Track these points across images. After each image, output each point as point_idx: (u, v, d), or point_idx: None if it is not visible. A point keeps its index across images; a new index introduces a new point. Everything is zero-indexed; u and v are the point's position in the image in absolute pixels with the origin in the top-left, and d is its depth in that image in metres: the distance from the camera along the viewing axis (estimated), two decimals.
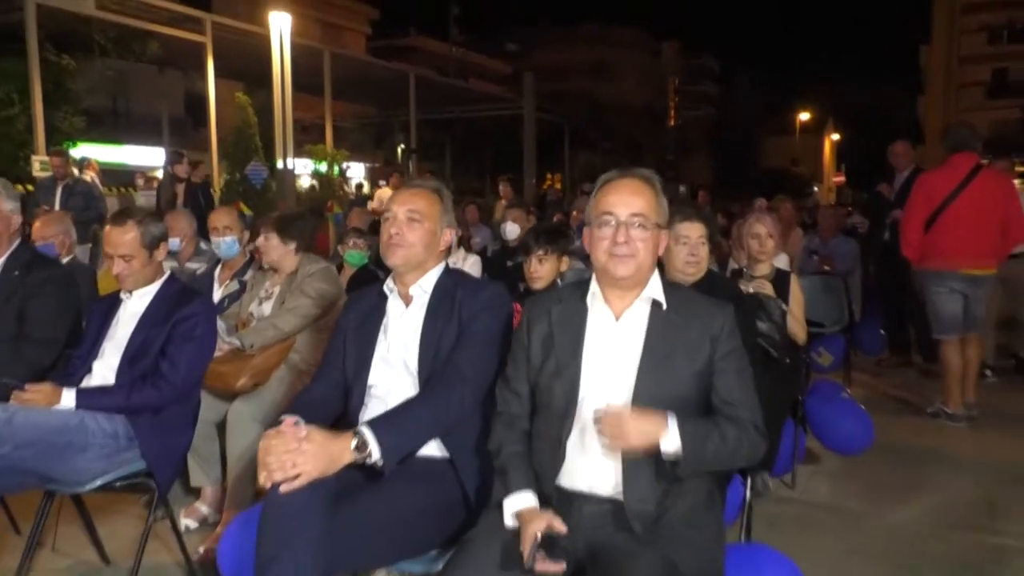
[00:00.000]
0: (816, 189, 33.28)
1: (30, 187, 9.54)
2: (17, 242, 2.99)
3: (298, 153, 13.55)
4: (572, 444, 1.96)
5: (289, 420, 1.93)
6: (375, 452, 1.95)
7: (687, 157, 34.13)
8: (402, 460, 2.03)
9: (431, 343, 2.25)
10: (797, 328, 3.85)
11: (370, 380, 2.28)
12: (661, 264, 3.42)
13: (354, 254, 4.96)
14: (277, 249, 3.76)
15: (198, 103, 14.17)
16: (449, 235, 2.41)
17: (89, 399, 2.63)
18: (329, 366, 2.38)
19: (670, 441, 1.80)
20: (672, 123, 38.85)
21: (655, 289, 2.00)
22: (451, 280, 2.37)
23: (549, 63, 33.58)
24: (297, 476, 1.82)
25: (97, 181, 9.37)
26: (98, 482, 2.62)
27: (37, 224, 4.99)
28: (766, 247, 3.94)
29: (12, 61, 12.34)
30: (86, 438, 2.54)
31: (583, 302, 2.03)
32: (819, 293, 5.78)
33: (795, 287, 3.92)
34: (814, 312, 5.48)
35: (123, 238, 2.80)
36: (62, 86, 13.26)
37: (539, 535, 1.75)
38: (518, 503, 1.91)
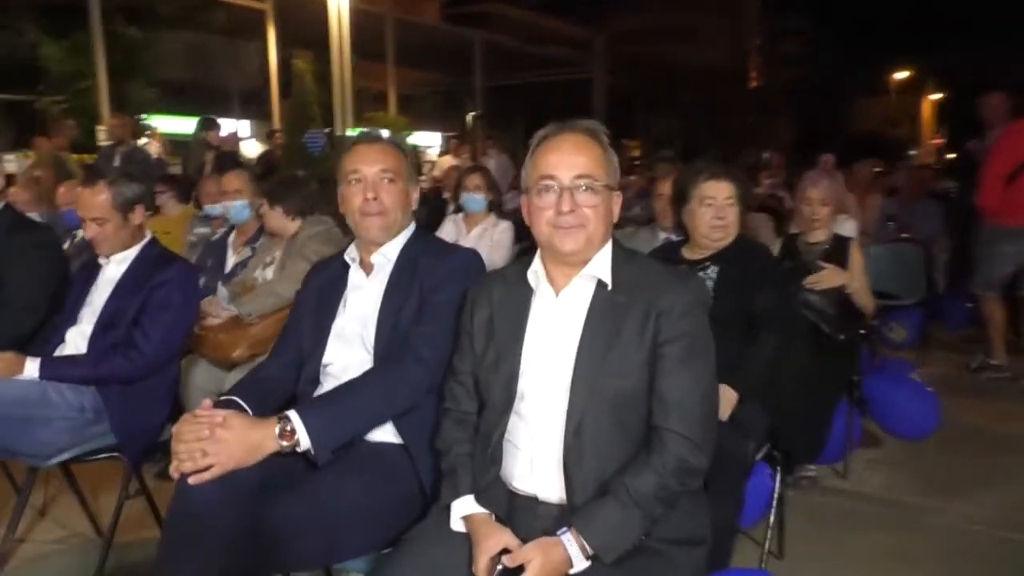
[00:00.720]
0: (914, 153, 31.41)
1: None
2: None
3: (361, 121, 13.50)
4: (509, 444, 1.69)
5: (206, 403, 1.70)
6: (303, 440, 1.70)
7: (770, 121, 32.69)
8: (342, 448, 1.78)
9: (388, 317, 1.98)
10: (862, 298, 3.43)
11: (325, 358, 2.03)
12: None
13: None
14: (273, 214, 3.60)
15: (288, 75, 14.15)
16: (416, 193, 2.14)
17: (54, 369, 2.49)
18: (285, 342, 2.15)
19: (580, 565, 1.52)
20: (754, 85, 37.24)
21: (599, 265, 1.69)
22: (418, 246, 2.10)
23: (625, 26, 32.56)
24: (209, 467, 1.60)
25: (160, 151, 9.42)
26: (64, 456, 2.49)
27: (61, 189, 4.96)
28: (819, 214, 3.53)
29: (86, 35, 12.59)
30: (48, 411, 2.40)
31: (528, 282, 1.74)
32: (893, 262, 5.29)
33: (856, 255, 3.49)
34: (886, 283, 5.02)
35: (94, 200, 2.64)
36: (133, 58, 13.48)
37: (499, 567, 1.54)
38: (467, 507, 1.68)
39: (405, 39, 16.00)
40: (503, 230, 4.53)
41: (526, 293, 1.74)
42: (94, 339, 2.59)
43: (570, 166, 1.65)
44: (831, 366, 3.29)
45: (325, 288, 2.13)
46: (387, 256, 2.08)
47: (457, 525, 1.67)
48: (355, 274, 2.11)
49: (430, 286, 1.98)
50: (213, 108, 17.45)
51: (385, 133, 2.20)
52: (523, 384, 1.68)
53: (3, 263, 2.77)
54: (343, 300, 2.08)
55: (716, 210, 2.67)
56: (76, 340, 2.63)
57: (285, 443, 1.68)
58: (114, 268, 2.71)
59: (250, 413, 1.89)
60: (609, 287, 1.66)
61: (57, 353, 2.61)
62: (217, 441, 1.61)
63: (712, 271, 2.68)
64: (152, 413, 2.62)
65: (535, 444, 1.65)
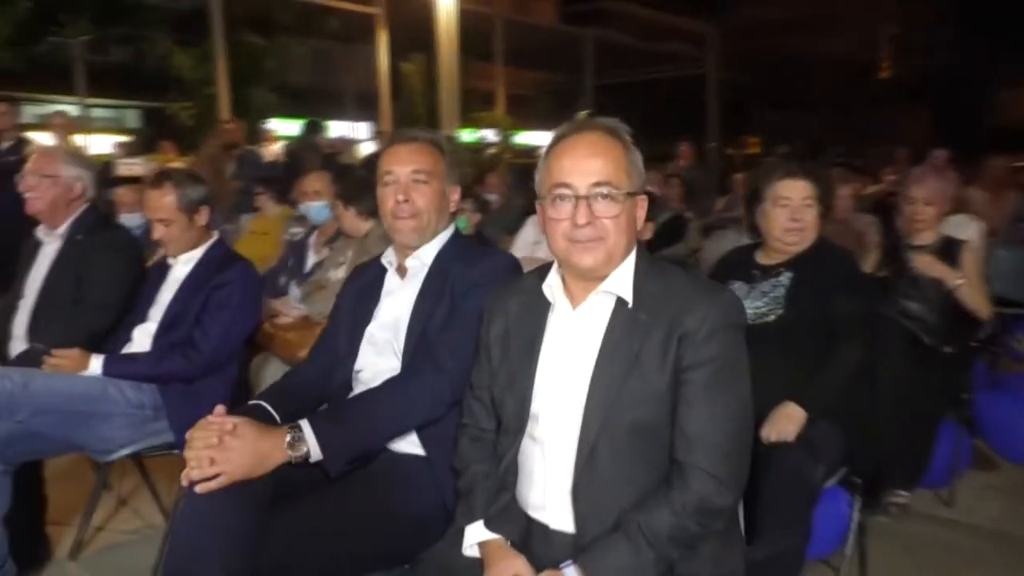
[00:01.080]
0: None
1: None
2: (83, 207, 2.98)
3: (467, 122, 13.62)
4: (523, 468, 1.58)
5: (219, 409, 1.67)
6: (314, 451, 1.64)
7: (903, 114, 30.74)
8: (358, 460, 1.72)
9: (418, 324, 1.91)
10: (975, 301, 3.09)
11: (357, 364, 1.98)
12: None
13: (461, 220, 4.72)
14: (346, 215, 3.61)
15: (397, 78, 14.47)
16: (456, 193, 2.06)
17: (117, 366, 2.56)
18: (321, 347, 2.11)
19: None
20: (885, 76, 35.08)
21: (619, 280, 1.53)
22: (454, 249, 2.01)
23: (743, 19, 31.42)
24: (217, 476, 1.57)
25: (275, 154, 9.76)
26: (125, 451, 2.56)
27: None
28: (923, 214, 3.21)
29: (213, 44, 13.27)
30: (109, 407, 2.47)
31: (545, 295, 1.61)
32: (1021, 267, 4.81)
33: (968, 258, 3.15)
34: (1014, 289, 4.56)
35: (161, 201, 2.70)
36: (256, 65, 14.14)
37: None
38: (481, 533, 1.58)
39: (515, 39, 16.02)
40: (533, 224, 4.41)
41: (543, 307, 1.61)
42: (157, 338, 2.65)
43: (586, 172, 1.49)
44: (934, 381, 2.98)
45: (362, 292, 2.08)
46: (422, 260, 2.00)
47: (471, 551, 1.58)
48: (390, 278, 2.05)
49: (460, 292, 1.90)
50: (329, 111, 18.15)
51: (433, 133, 2.11)
52: (536, 406, 1.56)
53: (83, 262, 2.88)
54: (378, 305, 2.03)
55: (791, 211, 2.45)
56: (142, 338, 2.70)
57: (294, 454, 1.63)
58: (181, 268, 2.77)
59: (277, 420, 1.86)
60: (630, 304, 1.50)
61: (124, 351, 2.69)
62: (225, 449, 1.57)
63: (785, 277, 2.47)
64: (210, 411, 2.64)
65: (548, 471, 1.53)
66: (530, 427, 1.56)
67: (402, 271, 2.03)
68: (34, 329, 2.85)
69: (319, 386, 2.02)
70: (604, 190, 1.48)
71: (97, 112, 21.76)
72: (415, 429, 1.81)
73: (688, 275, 1.59)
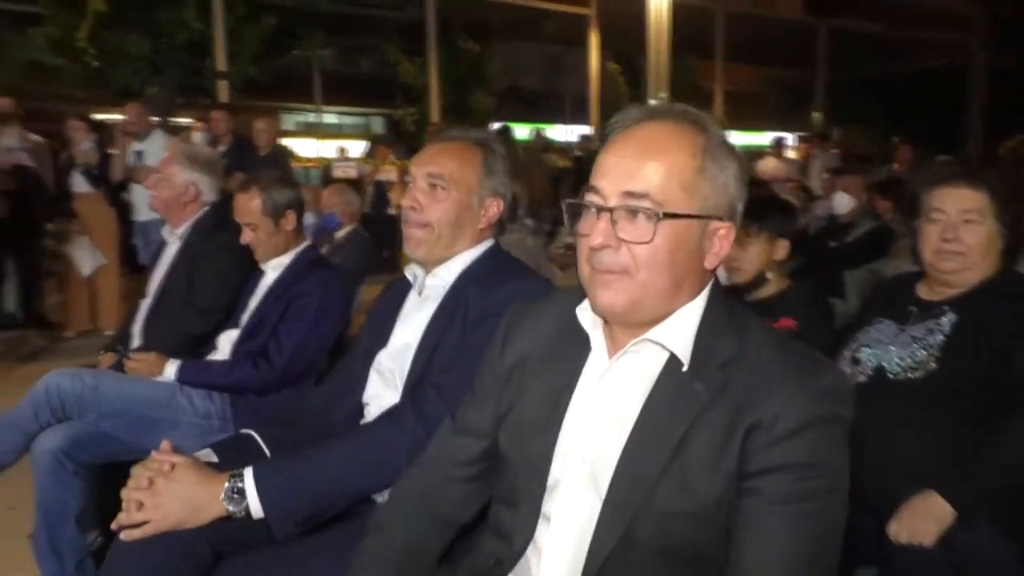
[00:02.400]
0: None
1: None
2: (204, 210, 3.01)
3: None
4: (531, 548, 1.19)
5: (164, 445, 1.48)
6: (254, 507, 1.40)
7: None
8: (309, 522, 1.45)
9: (423, 356, 1.61)
10: None
11: (365, 395, 1.72)
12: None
13: None
14: None
15: (603, 79, 14.29)
16: (495, 206, 1.72)
17: (191, 373, 2.51)
18: (339, 369, 1.88)
19: None
20: None
21: (674, 330, 1.11)
22: (480, 269, 1.69)
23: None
24: (145, 523, 1.38)
25: None
26: None
27: (325, 192, 5.33)
28: None
29: (439, 51, 13.83)
30: (175, 414, 2.42)
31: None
32: None
33: None
34: None
35: (247, 205, 2.63)
36: (475, 70, 14.56)
37: None
38: None
39: (738, 33, 15.14)
40: None
41: (579, 343, 1.21)
42: (237, 346, 2.58)
43: (622, 175, 1.08)
44: None
45: (384, 311, 1.82)
46: (442, 280, 1.70)
47: None
48: (411, 297, 1.77)
49: (472, 322, 1.57)
50: (547, 114, 18.36)
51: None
52: (555, 474, 1.17)
53: (195, 264, 2.90)
54: (394, 328, 1.76)
55: (943, 228, 1.84)
56: (225, 346, 2.64)
57: (233, 508, 1.39)
58: (270, 275, 2.69)
59: (267, 453, 1.66)
60: (684, 366, 1.09)
61: (210, 357, 2.65)
62: (155, 494, 1.38)
63: (947, 320, 1.86)
64: None
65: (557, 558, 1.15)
66: (544, 500, 1.18)
67: (421, 290, 1.75)
68: (148, 329, 2.92)
69: (324, 415, 1.78)
70: (634, 203, 1.06)
71: (347, 120, 23.83)
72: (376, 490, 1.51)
73: (779, 340, 1.13)
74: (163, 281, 2.97)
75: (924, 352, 1.82)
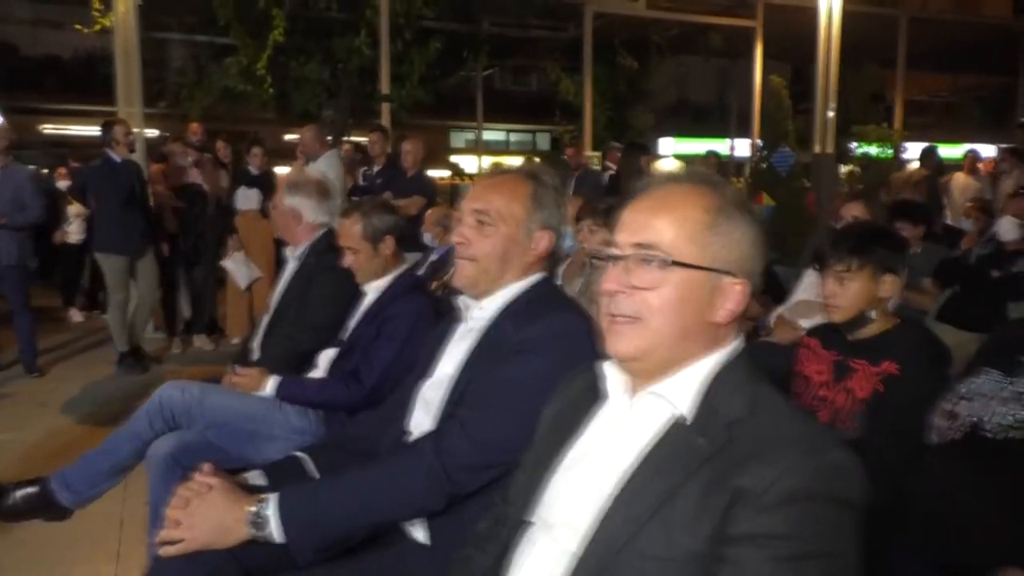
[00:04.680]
0: None
1: None
2: (321, 232, 3.19)
3: (847, 136, 12.18)
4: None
5: (205, 467, 1.56)
6: (276, 532, 1.45)
7: None
8: (331, 549, 1.48)
9: (457, 388, 1.62)
10: None
11: (410, 423, 1.75)
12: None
13: None
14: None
15: (765, 92, 13.82)
16: (546, 240, 1.71)
17: (288, 388, 2.65)
18: (394, 396, 1.92)
19: None
20: None
21: (680, 384, 1.14)
22: (520, 303, 1.67)
23: None
24: (182, 540, 1.46)
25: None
26: None
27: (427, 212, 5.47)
28: None
29: (596, 70, 13.87)
30: (272, 428, 2.56)
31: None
32: None
33: None
34: None
35: (350, 229, 2.75)
36: (634, 87, 14.43)
37: None
38: None
39: (931, 39, 13.98)
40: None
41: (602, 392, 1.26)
42: (333, 364, 2.70)
43: (636, 228, 1.16)
44: None
45: (437, 335, 1.84)
46: (487, 312, 1.70)
47: None
48: (460, 328, 1.78)
49: (503, 357, 1.56)
50: (715, 128, 17.88)
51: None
52: (542, 512, 1.21)
53: (307, 283, 3.08)
54: (441, 357, 1.77)
55: None
56: (325, 364, 2.77)
57: (257, 532, 1.45)
58: (369, 297, 2.80)
59: (316, 476, 1.72)
60: (687, 419, 1.11)
61: (310, 375, 2.79)
62: (190, 514, 1.46)
63: None
64: None
65: None
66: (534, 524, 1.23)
67: (468, 321, 1.75)
68: (265, 344, 3.13)
69: (372, 441, 1.83)
70: (644, 253, 1.14)
71: (514, 136, 24.49)
72: (410, 516, 1.52)
73: (792, 411, 1.11)
74: (279, 299, 3.17)
75: None
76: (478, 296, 1.72)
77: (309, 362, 2.90)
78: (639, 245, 1.14)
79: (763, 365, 2.86)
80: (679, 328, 1.13)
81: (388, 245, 2.76)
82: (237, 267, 6.34)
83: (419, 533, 1.57)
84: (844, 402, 2.15)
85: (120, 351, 5.97)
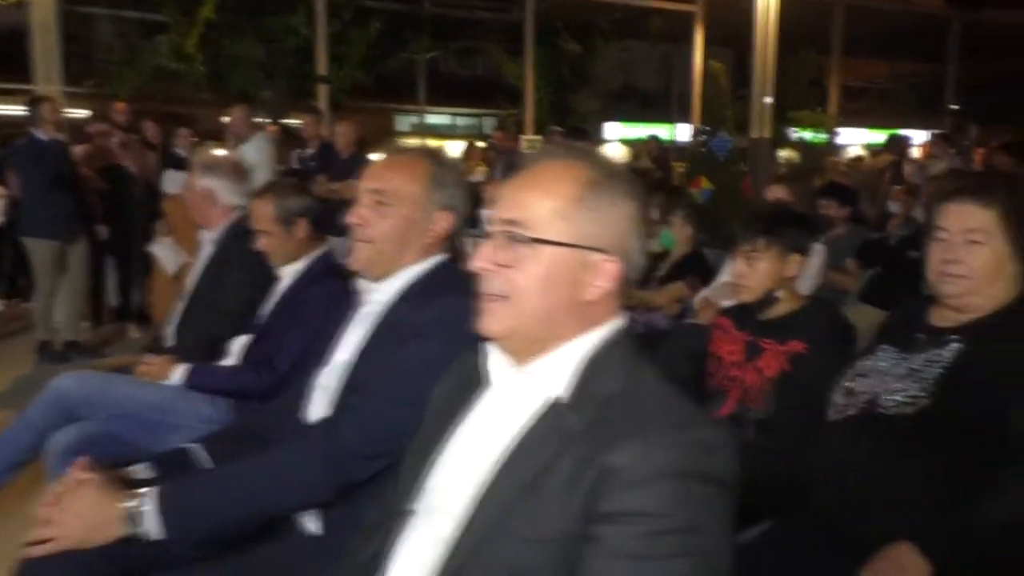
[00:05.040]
0: None
1: None
2: (237, 215, 3.09)
3: (784, 121, 12.36)
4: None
5: (81, 462, 1.49)
6: (153, 529, 1.38)
7: None
8: (209, 543, 1.43)
9: (355, 375, 1.58)
10: None
11: (309, 412, 1.70)
12: None
13: (666, 234, 4.15)
14: None
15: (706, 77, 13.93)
16: (445, 221, 1.67)
17: (197, 377, 2.56)
18: (296, 384, 1.86)
19: None
20: None
21: (555, 363, 1.11)
22: (418, 287, 1.63)
23: None
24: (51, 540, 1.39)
25: None
26: None
27: None
28: None
29: (538, 52, 13.80)
30: (178, 418, 2.47)
31: None
32: None
33: None
34: None
35: (261, 212, 2.67)
36: (577, 70, 14.43)
37: None
38: None
39: (867, 26, 14.28)
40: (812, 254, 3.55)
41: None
42: (247, 352, 2.63)
43: (506, 204, 1.14)
44: None
45: (337, 320, 1.80)
46: (384, 295, 1.66)
47: None
48: (361, 311, 1.73)
49: (396, 342, 1.52)
50: (645, 112, 17.98)
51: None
52: (426, 493, 1.18)
53: (222, 268, 2.98)
54: (340, 343, 1.73)
55: (945, 248, 1.63)
56: (239, 351, 2.69)
57: (133, 529, 1.39)
58: (284, 281, 2.72)
59: (207, 467, 1.66)
60: (562, 399, 1.08)
61: (225, 362, 2.71)
62: (62, 511, 1.39)
63: (950, 351, 1.64)
64: None
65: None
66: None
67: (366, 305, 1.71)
68: (180, 330, 3.03)
69: (270, 431, 1.77)
70: (511, 229, 1.11)
71: (460, 120, 24.30)
72: (299, 508, 1.48)
73: (667, 390, 1.09)
74: (195, 285, 3.07)
75: (918, 385, 1.62)
76: (376, 279, 1.67)
77: (224, 349, 2.82)
78: (506, 221, 1.12)
79: (687, 346, 2.87)
80: (548, 306, 1.10)
81: (302, 228, 2.68)
82: (165, 252, 6.13)
83: (311, 524, 1.52)
84: (754, 381, 2.17)
85: (41, 340, 5.76)
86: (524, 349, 1.13)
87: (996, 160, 6.81)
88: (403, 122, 22.98)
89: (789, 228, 2.20)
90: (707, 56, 11.57)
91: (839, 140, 13.43)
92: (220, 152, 5.84)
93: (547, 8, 12.83)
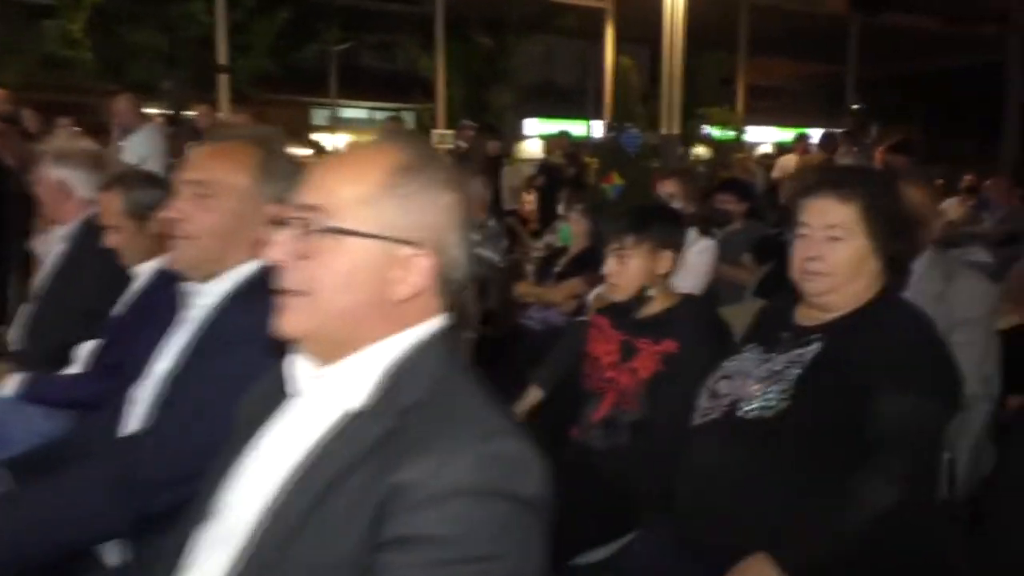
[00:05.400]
0: None
1: None
2: (89, 211, 2.85)
3: (693, 118, 12.57)
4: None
5: None
6: None
7: None
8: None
9: (172, 388, 1.42)
10: None
11: (125, 429, 1.53)
12: None
13: (564, 229, 4.09)
14: None
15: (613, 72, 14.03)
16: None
17: (34, 388, 2.33)
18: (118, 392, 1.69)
19: None
20: None
21: (356, 366, 0.99)
22: (245, 289, 1.48)
23: None
24: None
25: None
26: None
27: None
28: None
29: (455, 47, 13.64)
30: (10, 432, 2.25)
31: None
32: None
33: None
34: None
35: (109, 206, 2.45)
36: (491, 65, 14.35)
37: None
38: None
39: (774, 27, 14.64)
40: (700, 251, 3.54)
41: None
42: (93, 358, 2.41)
43: (308, 188, 1.02)
44: None
45: (160, 326, 1.62)
46: (208, 298, 1.50)
47: None
48: (185, 315, 1.57)
49: (214, 351, 1.37)
50: (566, 108, 18.06)
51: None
52: (223, 510, 1.05)
53: (74, 267, 2.75)
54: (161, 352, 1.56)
55: (807, 245, 1.58)
56: (86, 357, 2.47)
57: None
58: (138, 282, 2.51)
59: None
60: (361, 407, 0.96)
61: (71, 369, 2.48)
62: None
63: (811, 351, 1.59)
64: None
65: None
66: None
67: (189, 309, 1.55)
68: (28, 335, 2.78)
69: (83, 451, 1.59)
70: (307, 215, 0.98)
71: (378, 115, 23.89)
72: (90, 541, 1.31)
73: (477, 398, 0.97)
74: (45, 285, 2.82)
75: (778, 388, 1.56)
76: (200, 280, 1.51)
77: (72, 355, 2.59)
78: (305, 207, 0.99)
79: (581, 344, 2.74)
80: (352, 304, 0.98)
81: (155, 222, 2.47)
82: (47, 250, 5.74)
83: (112, 556, 1.36)
84: (629, 382, 2.10)
85: None
86: (327, 352, 1.00)
87: (891, 161, 7.04)
88: (320, 116, 22.50)
89: (658, 224, 2.13)
90: (618, 52, 11.60)
91: (748, 137, 13.69)
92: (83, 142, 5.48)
93: (457, 1, 12.67)
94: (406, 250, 0.98)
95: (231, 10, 10.30)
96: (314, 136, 19.26)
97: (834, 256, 1.56)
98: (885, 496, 1.40)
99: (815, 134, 10.11)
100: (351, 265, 0.97)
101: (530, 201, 9.35)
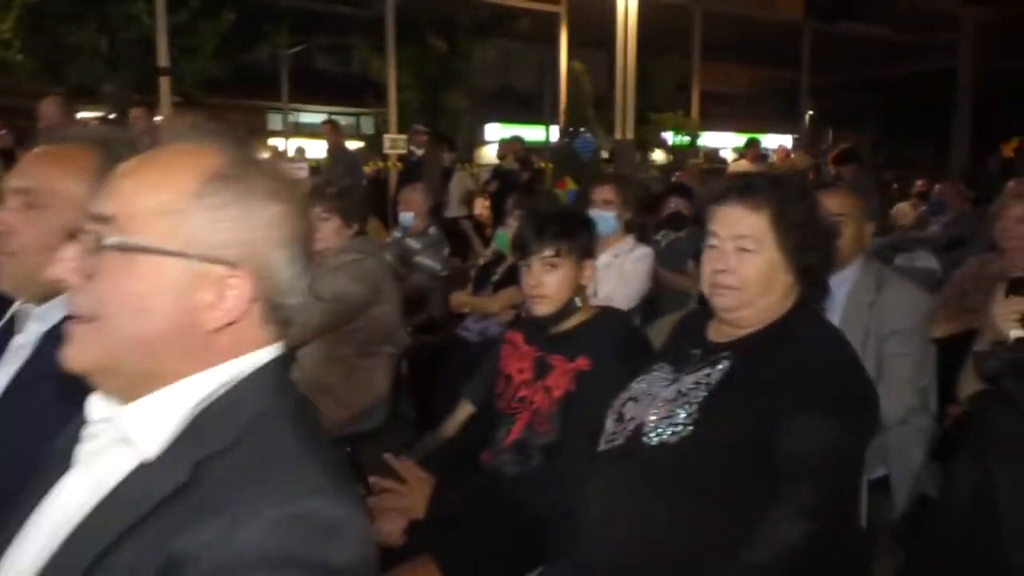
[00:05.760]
0: None
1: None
2: None
3: (646, 124, 12.54)
4: None
5: None
6: None
7: None
8: None
9: None
10: None
11: None
12: None
13: (501, 236, 3.96)
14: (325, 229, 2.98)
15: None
16: None
17: None
18: None
19: None
20: None
21: (155, 408, 0.84)
22: None
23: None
24: None
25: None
26: None
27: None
28: None
29: (410, 50, 13.43)
30: None
31: None
32: None
33: None
34: None
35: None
36: (446, 69, 14.16)
37: None
38: None
39: (730, 33, 14.67)
40: (638, 258, 3.43)
41: None
42: None
43: (104, 195, 0.88)
44: None
45: None
46: (41, 324, 1.32)
47: None
48: (12, 343, 1.38)
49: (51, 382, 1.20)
50: (526, 113, 17.96)
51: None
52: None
53: None
54: None
55: (717, 256, 1.46)
56: None
57: None
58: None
59: None
60: (149, 457, 0.82)
61: None
62: None
63: (719, 369, 1.47)
64: None
65: None
66: None
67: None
68: None
69: None
70: (97, 227, 0.85)
71: (340, 120, 23.56)
72: None
73: (298, 442, 0.83)
74: None
75: (684, 411, 1.43)
76: (33, 301, 1.34)
77: None
78: (96, 218, 0.85)
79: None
80: (147, 332, 0.83)
81: None
82: None
83: None
84: (543, 402, 1.95)
85: None
86: (125, 389, 0.85)
87: (840, 171, 7.03)
88: (276, 120, 22.10)
89: (584, 232, 2.00)
90: (573, 57, 11.52)
91: (704, 143, 13.71)
92: None
93: (409, 4, 12.49)
94: (218, 270, 0.84)
95: (175, 12, 10.00)
96: (270, 141, 18.93)
97: (744, 269, 1.44)
98: (796, 529, 1.28)
99: (770, 140, 10.16)
100: (147, 287, 0.83)
101: (485, 207, 9.22)
